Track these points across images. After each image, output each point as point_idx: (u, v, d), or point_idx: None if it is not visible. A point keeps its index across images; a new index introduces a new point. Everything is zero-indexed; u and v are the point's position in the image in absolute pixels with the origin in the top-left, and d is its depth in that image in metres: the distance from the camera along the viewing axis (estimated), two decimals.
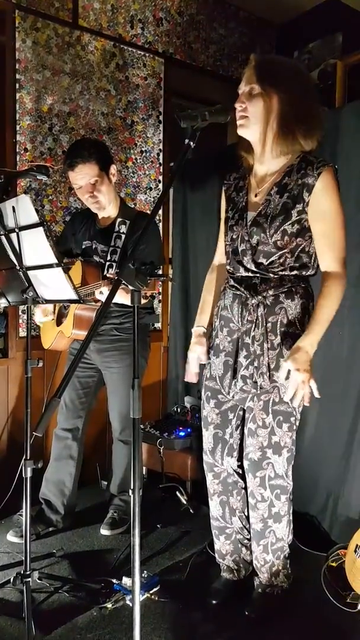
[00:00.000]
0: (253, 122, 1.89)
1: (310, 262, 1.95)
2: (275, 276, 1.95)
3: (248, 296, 1.97)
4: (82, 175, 2.55)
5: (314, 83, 1.87)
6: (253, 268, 1.96)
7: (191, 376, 2.14)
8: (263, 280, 1.96)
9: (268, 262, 1.92)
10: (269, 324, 1.94)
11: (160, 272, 2.58)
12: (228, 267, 2.07)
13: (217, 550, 2.24)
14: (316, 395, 1.84)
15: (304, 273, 1.96)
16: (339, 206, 1.89)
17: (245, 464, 2.07)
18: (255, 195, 1.99)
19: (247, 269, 1.98)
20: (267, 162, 1.97)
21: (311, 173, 1.87)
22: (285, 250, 1.90)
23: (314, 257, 1.96)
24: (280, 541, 2.09)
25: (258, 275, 1.97)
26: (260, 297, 1.95)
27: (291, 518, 2.11)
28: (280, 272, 1.94)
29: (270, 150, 1.92)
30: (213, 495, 2.19)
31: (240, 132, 1.92)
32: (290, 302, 1.95)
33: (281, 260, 1.92)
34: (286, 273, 1.94)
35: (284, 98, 1.85)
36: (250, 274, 1.98)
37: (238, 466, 2.16)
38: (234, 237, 2.00)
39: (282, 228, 1.89)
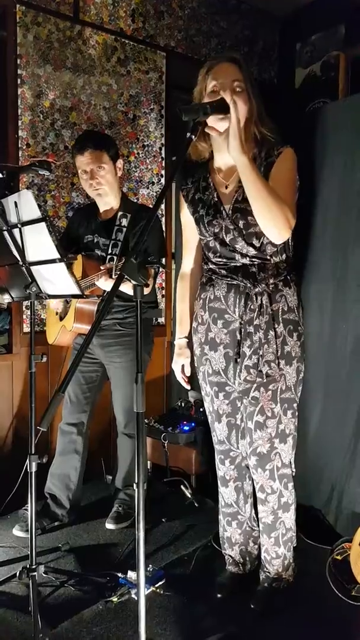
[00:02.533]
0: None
1: (289, 240, 2.00)
2: (271, 263, 1.99)
3: (249, 285, 1.98)
4: (91, 160, 2.58)
5: None
6: (251, 252, 1.98)
7: (185, 384, 2.21)
8: (260, 269, 1.99)
9: (260, 242, 1.95)
10: (272, 312, 1.98)
11: (157, 263, 2.58)
12: (217, 260, 2.06)
13: (227, 538, 2.24)
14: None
15: (289, 254, 2.04)
16: (293, 174, 1.94)
17: (253, 459, 2.07)
18: (226, 188, 2.02)
19: (243, 255, 1.99)
20: None
21: (273, 153, 1.94)
22: None
23: (291, 235, 2.00)
24: (289, 531, 2.13)
25: (255, 262, 1.98)
26: (263, 285, 1.98)
27: (296, 506, 2.15)
28: (274, 258, 1.99)
29: (244, 143, 1.93)
30: (228, 481, 2.20)
31: (224, 125, 1.86)
32: (289, 290, 2.02)
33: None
34: (279, 259, 2.00)
35: (256, 100, 1.92)
36: (247, 261, 1.99)
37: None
38: (216, 230, 2.01)
39: None
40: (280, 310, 1.99)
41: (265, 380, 1.99)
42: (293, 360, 2.01)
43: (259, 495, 2.10)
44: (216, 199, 2.02)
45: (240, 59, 1.93)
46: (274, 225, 1.84)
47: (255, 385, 2.01)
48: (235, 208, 1.96)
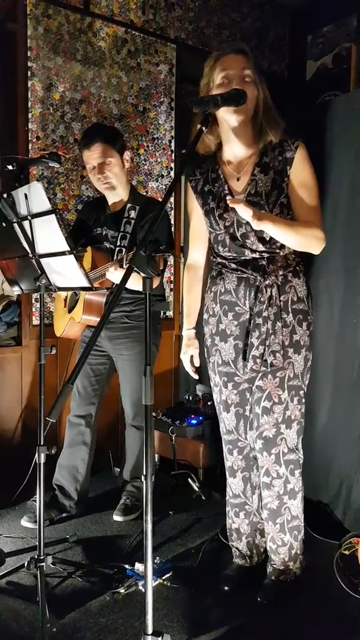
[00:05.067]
0: (248, 105, 1.87)
1: None
2: (280, 255, 2.00)
3: (259, 277, 2.00)
4: (98, 155, 2.58)
5: None
6: (260, 248, 1.98)
7: (193, 374, 2.21)
8: (270, 261, 2.00)
9: (270, 237, 1.95)
10: (281, 303, 2.00)
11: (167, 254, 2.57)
12: (226, 255, 2.06)
13: (235, 529, 2.25)
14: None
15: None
16: (315, 180, 2.00)
17: (259, 443, 2.08)
18: (237, 180, 2.02)
19: (253, 250, 2.00)
20: (245, 147, 1.99)
21: (289, 147, 1.95)
22: None
23: None
24: (295, 519, 2.13)
25: (265, 255, 1.99)
26: (273, 277, 1.99)
27: (303, 495, 2.14)
28: (284, 250, 2.00)
29: (251, 134, 1.97)
30: (236, 472, 2.20)
31: (235, 118, 1.89)
32: (298, 280, 2.04)
33: None
34: (288, 250, 2.01)
35: (264, 91, 1.94)
36: (257, 255, 2.00)
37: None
38: (227, 224, 2.01)
39: (279, 201, 1.96)
40: (289, 301, 2.01)
41: (269, 370, 2.01)
42: (302, 349, 2.03)
43: (264, 480, 2.10)
44: (227, 191, 2.02)
45: (248, 50, 1.93)
46: (311, 250, 1.99)
47: (260, 374, 2.03)
48: (248, 202, 1.94)
